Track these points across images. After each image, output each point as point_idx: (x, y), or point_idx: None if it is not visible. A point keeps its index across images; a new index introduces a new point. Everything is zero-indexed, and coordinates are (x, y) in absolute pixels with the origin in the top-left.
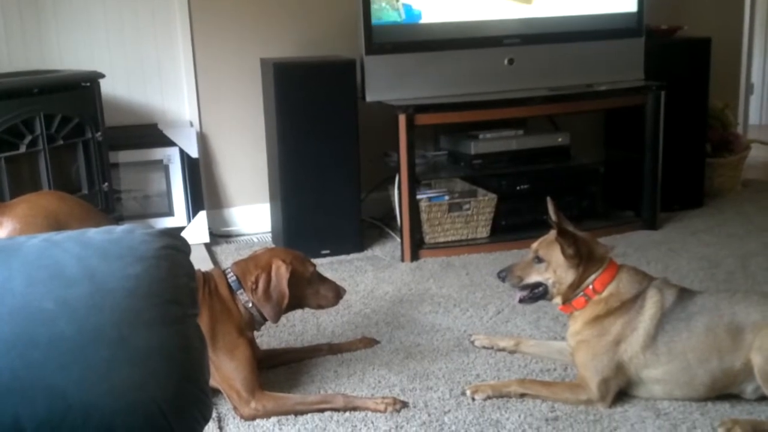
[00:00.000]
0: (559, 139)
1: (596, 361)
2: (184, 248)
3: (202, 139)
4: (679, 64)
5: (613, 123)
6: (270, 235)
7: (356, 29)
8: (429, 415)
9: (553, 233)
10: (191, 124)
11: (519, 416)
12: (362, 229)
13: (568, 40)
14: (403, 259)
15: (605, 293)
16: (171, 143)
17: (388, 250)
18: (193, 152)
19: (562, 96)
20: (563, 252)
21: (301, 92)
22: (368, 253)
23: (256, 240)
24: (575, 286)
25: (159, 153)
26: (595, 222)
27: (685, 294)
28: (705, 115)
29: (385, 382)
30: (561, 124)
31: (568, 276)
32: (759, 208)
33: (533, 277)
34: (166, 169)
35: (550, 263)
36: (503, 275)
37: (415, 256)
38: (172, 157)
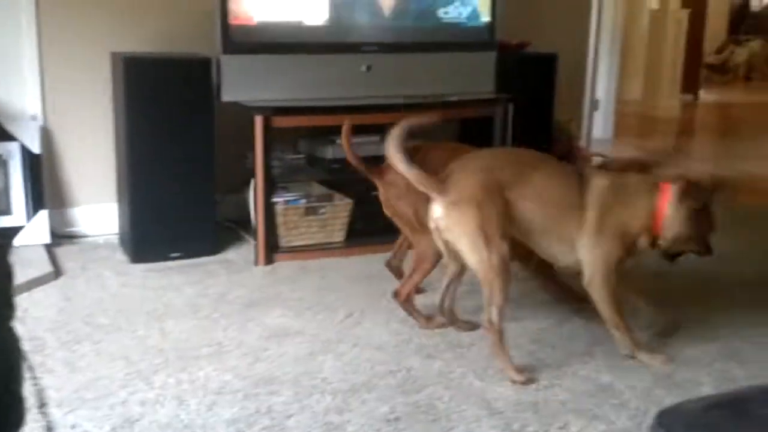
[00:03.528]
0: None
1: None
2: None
3: (46, 134)
4: (527, 79)
5: (467, 132)
6: (117, 236)
7: (214, 27)
8: (272, 420)
9: None
10: (34, 118)
11: (360, 418)
12: (216, 232)
13: (424, 51)
14: (257, 263)
15: None
16: (11, 137)
17: (243, 253)
18: (35, 147)
19: (417, 104)
20: None
21: (154, 89)
22: (221, 256)
23: (101, 242)
24: None
25: None
26: None
27: None
28: (550, 128)
29: (228, 388)
30: (417, 132)
31: None
32: None
33: None
34: (4, 165)
35: None
36: None
37: (269, 260)
38: (11, 152)
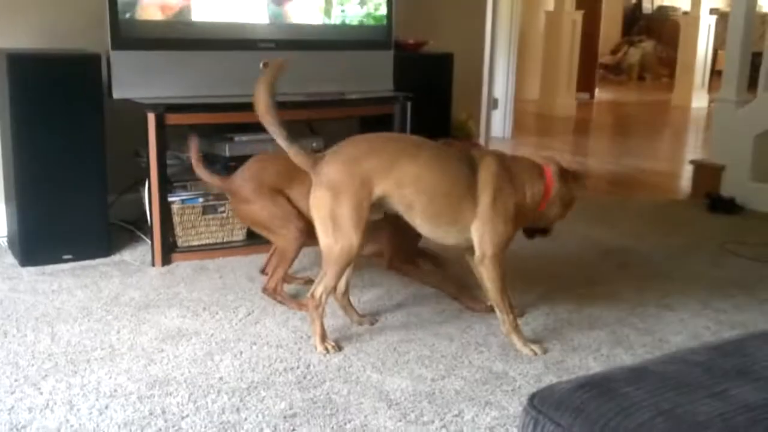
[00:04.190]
0: (314, 144)
1: None
2: None
3: None
4: (425, 77)
5: (367, 129)
6: (5, 239)
7: (103, 22)
8: (165, 422)
9: None
10: None
11: (257, 416)
12: (110, 233)
13: (322, 48)
14: (153, 264)
15: None
16: None
17: (138, 254)
18: None
19: (316, 102)
20: None
21: (41, 86)
22: (116, 257)
23: None
24: None
25: None
26: None
27: None
28: (449, 126)
29: (121, 391)
30: (318, 129)
31: None
32: None
33: None
34: None
35: None
36: None
37: (166, 261)
38: None
